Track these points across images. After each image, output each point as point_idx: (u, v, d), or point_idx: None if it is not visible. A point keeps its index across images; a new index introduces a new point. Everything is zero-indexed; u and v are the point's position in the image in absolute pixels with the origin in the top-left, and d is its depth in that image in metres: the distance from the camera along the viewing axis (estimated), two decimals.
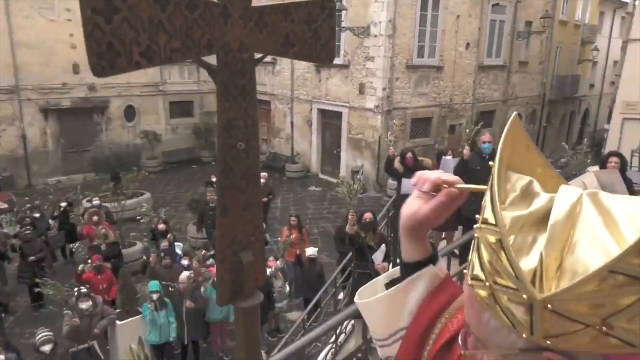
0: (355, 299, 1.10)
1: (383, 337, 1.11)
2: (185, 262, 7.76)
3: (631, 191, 5.08)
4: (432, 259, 1.01)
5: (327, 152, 17.60)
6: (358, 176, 9.61)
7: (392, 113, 15.36)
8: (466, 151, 6.62)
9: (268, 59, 18.08)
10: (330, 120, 17.07)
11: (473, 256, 0.64)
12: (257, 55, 1.18)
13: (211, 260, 7.65)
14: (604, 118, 23.36)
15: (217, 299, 0.58)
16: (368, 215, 5.90)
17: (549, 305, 0.54)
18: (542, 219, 0.57)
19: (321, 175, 17.60)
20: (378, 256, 5.75)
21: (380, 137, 15.12)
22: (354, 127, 16.05)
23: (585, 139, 16.21)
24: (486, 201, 0.62)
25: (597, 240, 0.52)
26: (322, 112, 17.28)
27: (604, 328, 0.53)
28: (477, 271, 0.62)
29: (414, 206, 0.90)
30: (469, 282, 0.64)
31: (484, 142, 6.40)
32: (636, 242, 0.50)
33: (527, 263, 0.55)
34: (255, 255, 0.57)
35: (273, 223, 12.42)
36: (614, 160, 5.34)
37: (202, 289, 6.70)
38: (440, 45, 15.92)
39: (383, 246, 5.79)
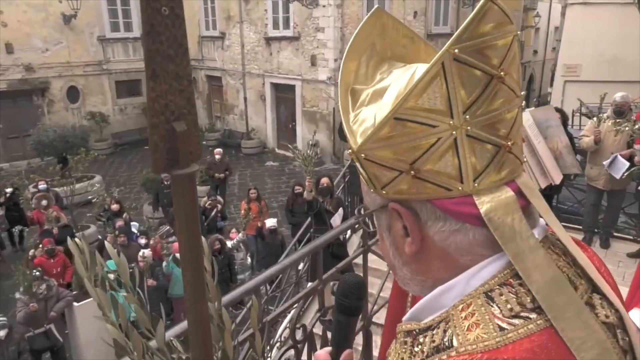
0: None
1: None
2: (142, 240, 7.61)
3: (572, 145, 5.38)
4: None
5: (282, 126, 17.50)
6: (312, 142, 9.76)
7: None
8: None
9: (216, 32, 17.64)
10: (284, 94, 16.93)
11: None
12: None
13: (174, 237, 7.53)
14: (547, 83, 24.31)
15: (152, 165, 0.59)
16: (325, 180, 5.96)
17: (362, 155, 0.61)
18: (383, 92, 0.63)
19: (278, 150, 17.52)
20: (336, 219, 5.84)
21: (334, 108, 15.15)
22: (308, 100, 16.00)
23: (535, 100, 16.86)
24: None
25: None
26: (275, 86, 17.09)
27: (412, 172, 0.58)
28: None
29: None
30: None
31: None
32: (408, 90, 0.55)
33: (365, 127, 0.62)
34: (188, 127, 0.58)
35: (232, 199, 12.34)
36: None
37: (164, 263, 6.62)
38: None
39: (340, 210, 5.89)
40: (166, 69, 0.57)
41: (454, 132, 0.56)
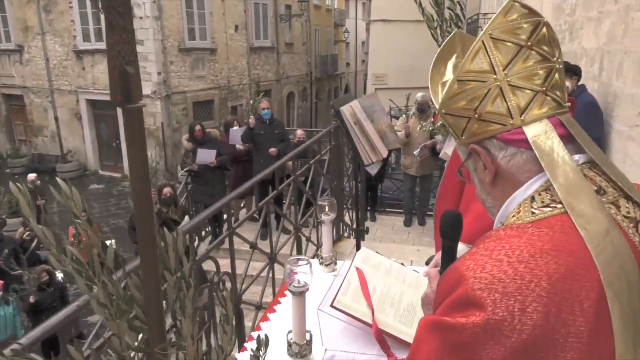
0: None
1: None
2: None
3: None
4: None
5: (105, 145, 16.18)
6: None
7: (171, 98, 14.94)
8: (252, 120, 6.99)
9: (12, 45, 15.48)
10: (103, 111, 15.66)
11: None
12: None
13: None
14: (361, 91, 27.01)
15: (111, 98, 0.69)
16: (168, 190, 5.77)
17: (443, 110, 0.87)
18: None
19: (102, 172, 16.14)
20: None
21: (162, 123, 14.60)
22: None
23: None
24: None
25: None
26: (92, 103, 15.74)
27: (475, 115, 0.83)
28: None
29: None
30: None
31: (263, 109, 6.86)
32: (463, 60, 0.83)
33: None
34: (136, 70, 0.69)
35: (54, 228, 10.89)
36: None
37: None
38: (210, 28, 16.03)
39: (187, 217, 5.76)
40: (118, 22, 0.67)
41: (498, 83, 0.81)
